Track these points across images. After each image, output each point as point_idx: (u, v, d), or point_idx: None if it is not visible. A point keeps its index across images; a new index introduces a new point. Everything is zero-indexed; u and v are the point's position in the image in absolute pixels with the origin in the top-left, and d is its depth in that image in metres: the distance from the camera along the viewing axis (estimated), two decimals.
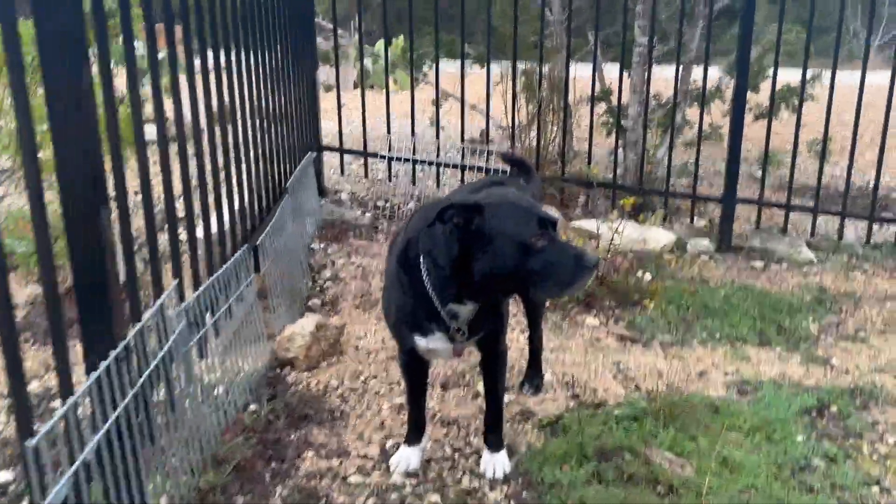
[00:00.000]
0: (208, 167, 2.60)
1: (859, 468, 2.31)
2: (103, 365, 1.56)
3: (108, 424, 1.55)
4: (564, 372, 2.90)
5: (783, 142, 4.82)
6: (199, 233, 2.55)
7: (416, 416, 2.25)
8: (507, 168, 2.97)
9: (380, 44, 5.06)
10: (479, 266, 1.80)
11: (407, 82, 4.81)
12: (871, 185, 4.50)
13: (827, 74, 4.46)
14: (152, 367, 1.78)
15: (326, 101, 5.02)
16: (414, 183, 4.71)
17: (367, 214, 4.61)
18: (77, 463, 1.44)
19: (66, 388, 1.55)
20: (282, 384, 2.72)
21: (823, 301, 3.67)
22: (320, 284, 3.65)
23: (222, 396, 2.44)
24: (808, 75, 4.73)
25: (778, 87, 4.74)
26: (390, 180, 4.79)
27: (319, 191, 4.63)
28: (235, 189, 2.93)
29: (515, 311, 3.43)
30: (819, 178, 4.49)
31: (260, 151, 3.30)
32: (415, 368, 2.18)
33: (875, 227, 4.52)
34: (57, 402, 2.37)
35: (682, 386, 2.82)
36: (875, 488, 2.22)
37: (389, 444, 2.37)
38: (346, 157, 4.92)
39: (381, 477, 2.19)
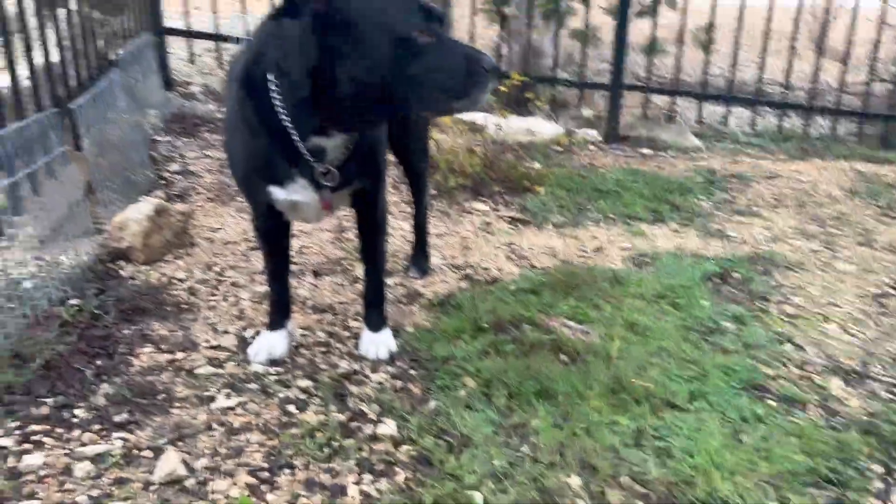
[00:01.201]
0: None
1: (769, 328, 2.16)
2: None
3: None
4: (454, 255, 2.58)
5: (668, 33, 4.65)
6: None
7: (279, 296, 1.85)
8: None
9: None
10: (344, 71, 1.39)
11: None
12: (755, 77, 4.43)
13: None
14: None
15: None
16: None
17: (223, 108, 4.04)
18: None
19: None
20: (114, 279, 2.23)
21: (714, 182, 3.56)
22: (166, 178, 3.11)
23: (31, 290, 1.94)
24: None
25: None
26: None
27: (166, 83, 4.00)
28: (40, 41, 2.33)
29: (396, 197, 3.07)
30: (705, 67, 4.36)
31: (76, 5, 2.69)
32: (274, 233, 1.76)
33: (757, 117, 4.47)
34: None
35: (579, 261, 2.58)
36: (788, 345, 2.07)
37: (249, 333, 1.96)
38: (198, 46, 4.28)
39: (236, 367, 1.79)
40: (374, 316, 1.89)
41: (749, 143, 4.26)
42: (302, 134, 1.50)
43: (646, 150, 4.05)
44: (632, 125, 4.29)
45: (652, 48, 4.35)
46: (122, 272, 2.27)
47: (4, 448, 1.42)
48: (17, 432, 1.47)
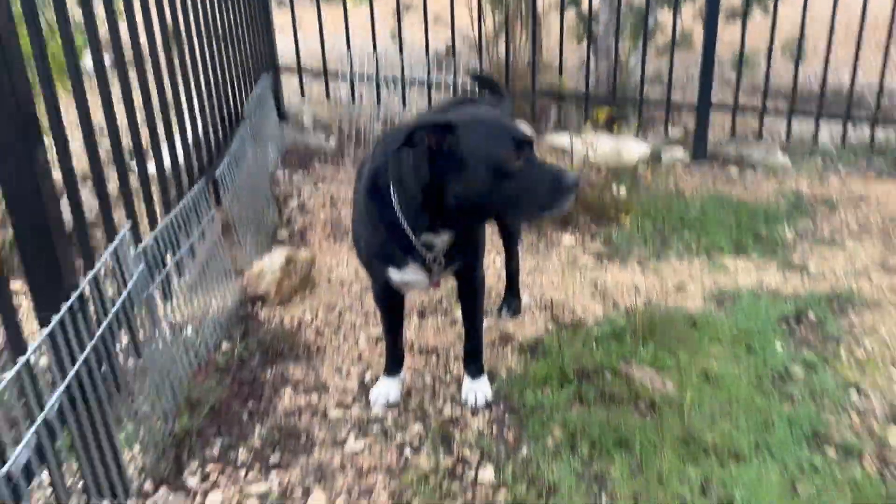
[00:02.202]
0: (155, 95, 2.42)
1: (837, 374, 2.33)
2: (55, 319, 1.46)
3: (67, 380, 1.46)
4: (542, 293, 2.85)
5: (758, 43, 4.67)
6: (152, 169, 2.40)
7: (393, 349, 2.19)
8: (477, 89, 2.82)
9: None
10: (452, 191, 1.70)
11: None
12: (848, 84, 4.41)
13: None
14: (112, 315, 1.69)
15: (280, 18, 4.73)
16: (378, 103, 4.52)
17: (332, 139, 4.43)
18: (36, 424, 1.36)
19: (16, 346, 1.45)
20: (254, 321, 2.65)
21: (799, 207, 3.65)
22: (288, 215, 3.53)
23: (192, 337, 2.36)
24: None
25: None
26: (353, 102, 4.58)
27: (279, 115, 4.43)
28: (187, 117, 2.75)
29: (491, 232, 3.36)
30: (795, 81, 4.39)
31: (211, 76, 3.10)
32: (390, 301, 2.10)
33: (850, 128, 4.46)
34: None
35: (661, 301, 2.80)
36: (853, 392, 2.24)
37: (368, 376, 2.32)
38: (306, 79, 4.68)
39: (361, 410, 2.15)
40: (473, 366, 2.20)
41: (840, 159, 4.27)
42: (415, 232, 1.82)
43: (733, 170, 4.15)
44: (719, 142, 4.39)
45: (741, 62, 4.41)
46: (259, 314, 2.68)
47: (191, 487, 1.83)
48: (198, 472, 1.88)
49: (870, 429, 2.08)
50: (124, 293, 1.78)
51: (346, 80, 4.53)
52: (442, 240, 1.86)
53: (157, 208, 2.32)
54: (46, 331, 1.41)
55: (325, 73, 4.54)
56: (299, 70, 4.53)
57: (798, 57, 4.40)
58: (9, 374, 1.29)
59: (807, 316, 2.66)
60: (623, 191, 3.83)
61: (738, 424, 2.06)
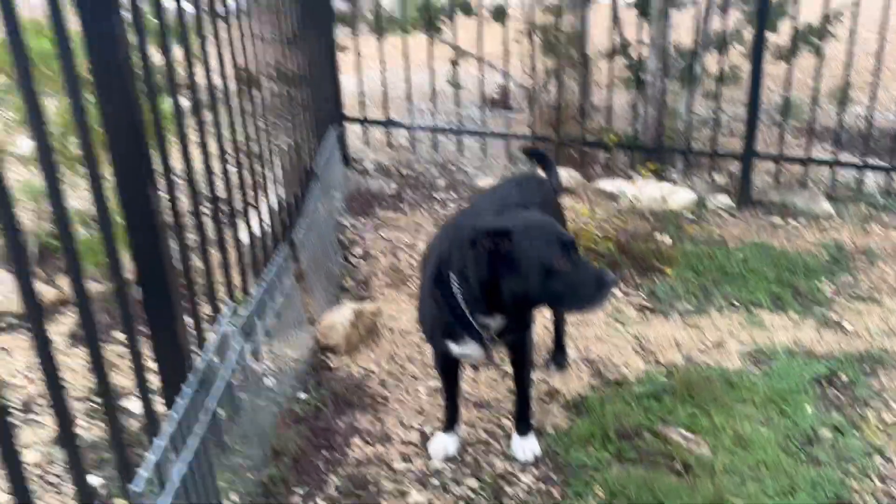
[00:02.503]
0: (245, 162, 2.73)
1: (864, 438, 2.50)
2: (182, 404, 1.77)
3: (189, 455, 1.76)
4: (587, 347, 3.08)
5: (804, 84, 4.79)
6: (240, 235, 2.72)
7: (451, 408, 2.46)
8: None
9: None
10: (507, 286, 1.96)
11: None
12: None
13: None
14: (221, 390, 1.99)
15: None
16: (436, 150, 4.81)
17: (393, 184, 4.73)
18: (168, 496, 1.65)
19: (151, 428, 1.76)
20: (325, 370, 2.95)
21: (839, 259, 3.78)
22: (352, 263, 3.83)
23: (275, 387, 2.67)
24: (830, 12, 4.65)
25: (799, 26, 4.69)
26: (413, 150, 4.88)
27: (344, 159, 4.75)
28: (272, 182, 3.07)
29: None
30: (839, 126, 4.51)
31: (291, 137, 3.41)
32: (449, 367, 2.38)
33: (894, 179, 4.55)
34: (127, 401, 2.59)
35: (700, 357, 3.00)
36: (878, 458, 2.41)
37: (428, 429, 2.59)
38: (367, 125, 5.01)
39: (422, 463, 2.42)
40: (522, 425, 2.45)
41: (884, 208, 4.37)
42: (473, 315, 2.09)
43: (776, 219, 4.29)
44: (764, 190, 4.53)
45: (786, 110, 4.54)
46: (330, 363, 2.99)
47: None
48: None
49: (890, 495, 2.25)
50: (228, 368, 2.09)
51: (406, 129, 4.83)
52: (496, 321, 2.12)
53: (248, 275, 2.64)
54: (176, 416, 1.72)
55: (386, 122, 4.85)
56: (364, 121, 4.85)
57: (843, 104, 4.51)
58: (151, 459, 1.59)
59: (839, 377, 2.83)
60: (667, 239, 4.02)
61: (765, 487, 2.26)
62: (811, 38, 5.00)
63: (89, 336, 1.56)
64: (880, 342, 3.06)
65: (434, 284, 2.15)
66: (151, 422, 1.79)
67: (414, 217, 4.35)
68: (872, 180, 4.63)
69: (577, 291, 1.92)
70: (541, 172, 2.96)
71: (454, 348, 2.22)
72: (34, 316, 1.39)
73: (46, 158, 1.44)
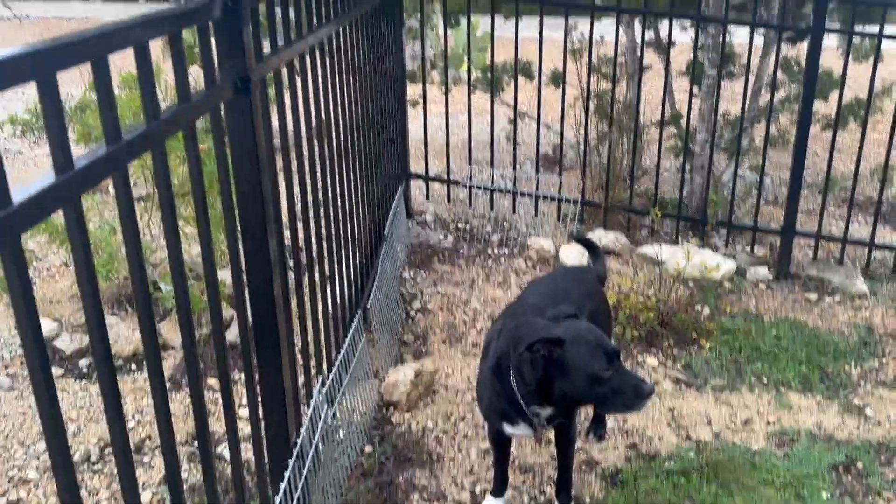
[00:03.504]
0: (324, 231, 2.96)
1: None
2: (283, 485, 2.15)
3: None
4: (625, 419, 3.39)
5: (848, 158, 5.01)
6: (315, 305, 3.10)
7: (500, 475, 2.80)
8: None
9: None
10: (557, 387, 2.30)
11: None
12: None
13: None
14: (311, 455, 2.37)
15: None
16: (492, 208, 5.17)
17: (450, 237, 5.10)
18: None
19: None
20: (388, 424, 3.32)
21: (868, 343, 4.01)
22: (412, 317, 4.21)
23: (345, 440, 3.05)
24: (877, 87, 4.86)
25: (846, 100, 4.91)
26: (470, 205, 5.25)
27: (407, 212, 5.14)
28: (348, 255, 3.45)
29: None
30: (878, 206, 4.72)
31: (367, 206, 3.77)
32: (501, 442, 2.72)
33: None
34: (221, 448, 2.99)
35: (728, 435, 3.28)
36: None
37: (478, 489, 2.94)
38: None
39: None
40: (563, 495, 2.78)
41: None
42: (527, 405, 2.44)
43: (812, 295, 4.52)
44: (802, 264, 4.77)
45: (826, 189, 4.78)
46: (392, 419, 3.36)
47: None
48: None
49: None
50: (316, 437, 2.47)
51: (465, 187, 5.20)
52: (546, 411, 2.46)
53: (331, 344, 3.02)
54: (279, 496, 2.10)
55: (448, 181, 5.24)
56: (426, 178, 5.24)
57: (883, 183, 4.73)
58: None
59: (855, 464, 3.09)
60: (706, 310, 4.30)
61: None
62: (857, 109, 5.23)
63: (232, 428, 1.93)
64: None
65: (493, 374, 2.50)
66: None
67: (469, 272, 4.71)
68: None
69: (618, 397, 2.25)
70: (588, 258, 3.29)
71: (508, 428, 2.57)
72: (152, 362, 1.48)
73: (168, 218, 1.59)
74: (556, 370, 2.29)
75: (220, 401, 1.86)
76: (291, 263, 2.55)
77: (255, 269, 2.07)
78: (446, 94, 5.22)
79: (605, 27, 5.17)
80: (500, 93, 5.97)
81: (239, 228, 2.00)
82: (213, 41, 1.82)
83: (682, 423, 3.36)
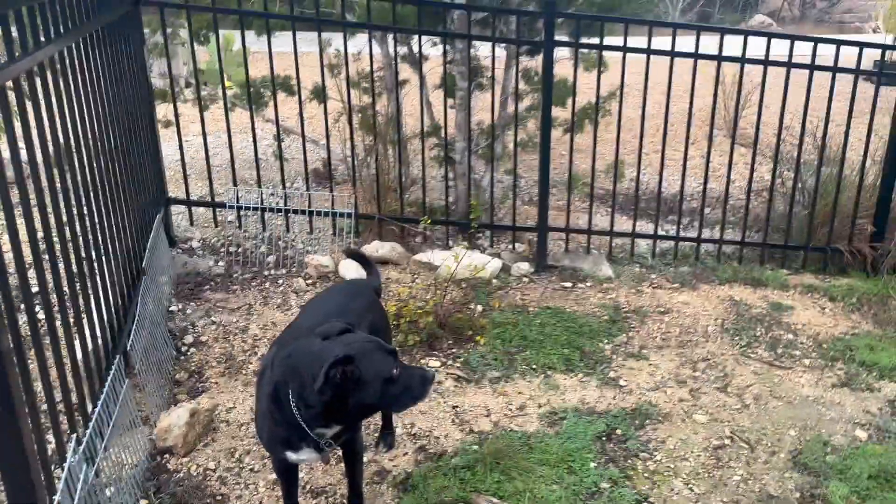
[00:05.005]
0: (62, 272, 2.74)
1: (634, 487, 3.09)
2: None
3: None
4: (412, 422, 3.46)
5: (588, 157, 5.57)
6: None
7: None
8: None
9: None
10: (352, 401, 2.27)
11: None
12: (678, 196, 5.39)
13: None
14: None
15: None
16: (264, 229, 5.02)
17: (221, 263, 4.87)
18: None
19: None
20: (164, 473, 3.07)
21: (616, 321, 4.48)
22: (184, 353, 3.94)
23: (114, 498, 2.77)
24: (603, 92, 5.46)
25: (580, 105, 5.48)
26: (240, 227, 5.06)
27: (169, 241, 4.81)
28: (97, 296, 3.14)
29: None
30: (613, 202, 5.33)
31: (118, 239, 3.47)
32: (288, 470, 2.64)
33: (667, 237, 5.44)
34: None
35: (506, 423, 3.48)
36: None
37: None
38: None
39: None
40: None
41: (653, 267, 5.21)
42: (311, 429, 2.38)
43: (567, 283, 4.97)
44: (557, 256, 5.23)
45: (570, 188, 5.29)
46: (169, 466, 3.11)
47: None
48: None
49: None
50: (76, 500, 2.21)
51: (233, 208, 5.00)
52: (332, 430, 2.43)
53: (84, 395, 2.72)
54: None
55: (213, 203, 4.99)
56: (188, 202, 4.95)
57: (615, 178, 5.34)
58: None
59: (615, 432, 3.43)
60: (479, 307, 4.54)
61: None
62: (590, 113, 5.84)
63: None
64: (647, 397, 3.74)
65: (271, 402, 2.41)
66: None
67: (245, 297, 4.53)
68: (643, 245, 5.49)
69: (408, 392, 2.32)
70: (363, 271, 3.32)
71: (291, 456, 2.49)
72: None
73: None
74: (352, 386, 2.26)
75: None
76: (24, 313, 2.26)
77: None
78: (201, 111, 4.98)
79: (362, 42, 5.26)
80: (262, 109, 5.83)
81: None
82: None
83: (464, 419, 3.51)
